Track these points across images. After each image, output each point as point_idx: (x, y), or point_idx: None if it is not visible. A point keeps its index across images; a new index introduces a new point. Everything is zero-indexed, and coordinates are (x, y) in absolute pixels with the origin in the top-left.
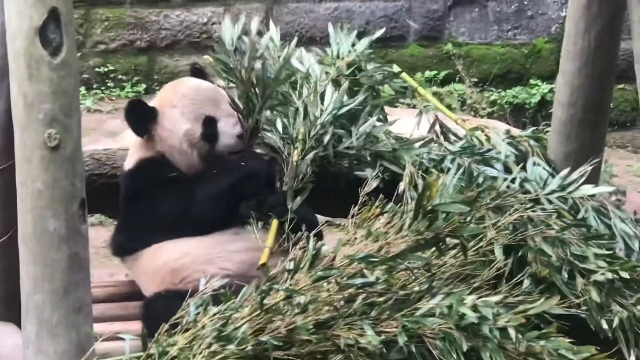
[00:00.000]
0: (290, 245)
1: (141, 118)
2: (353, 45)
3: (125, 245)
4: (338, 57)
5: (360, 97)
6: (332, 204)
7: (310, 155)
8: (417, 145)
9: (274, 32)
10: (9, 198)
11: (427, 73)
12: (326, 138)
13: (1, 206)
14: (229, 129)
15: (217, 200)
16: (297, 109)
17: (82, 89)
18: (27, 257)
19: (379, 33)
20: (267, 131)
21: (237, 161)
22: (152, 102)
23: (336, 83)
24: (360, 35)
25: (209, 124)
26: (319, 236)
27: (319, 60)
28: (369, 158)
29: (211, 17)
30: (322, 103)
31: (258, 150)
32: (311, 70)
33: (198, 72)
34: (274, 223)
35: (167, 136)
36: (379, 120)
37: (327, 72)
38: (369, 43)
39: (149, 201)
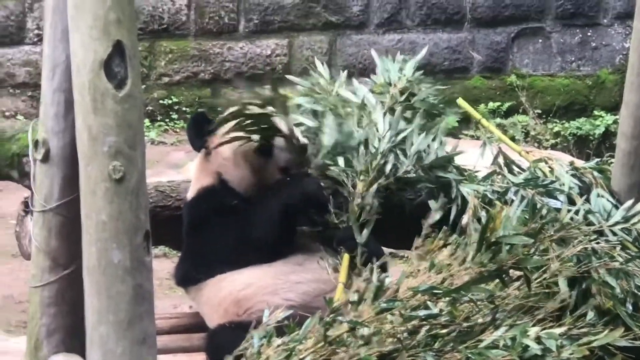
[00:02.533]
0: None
1: (201, 131)
2: (401, 70)
3: (189, 275)
4: (389, 84)
5: (416, 122)
6: (396, 235)
7: (375, 186)
8: (480, 177)
9: (321, 67)
10: (73, 230)
11: (491, 104)
12: (388, 167)
13: (66, 238)
14: (284, 145)
15: (270, 222)
16: (358, 142)
17: (146, 121)
18: (91, 289)
19: (421, 54)
20: (329, 165)
21: (288, 182)
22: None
23: (392, 111)
24: (421, 67)
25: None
26: (384, 268)
27: (371, 89)
28: (431, 185)
29: (275, 49)
30: (379, 132)
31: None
32: (366, 100)
33: None
34: (345, 258)
35: (222, 149)
36: (437, 142)
37: (381, 101)
38: (415, 66)
39: (209, 231)
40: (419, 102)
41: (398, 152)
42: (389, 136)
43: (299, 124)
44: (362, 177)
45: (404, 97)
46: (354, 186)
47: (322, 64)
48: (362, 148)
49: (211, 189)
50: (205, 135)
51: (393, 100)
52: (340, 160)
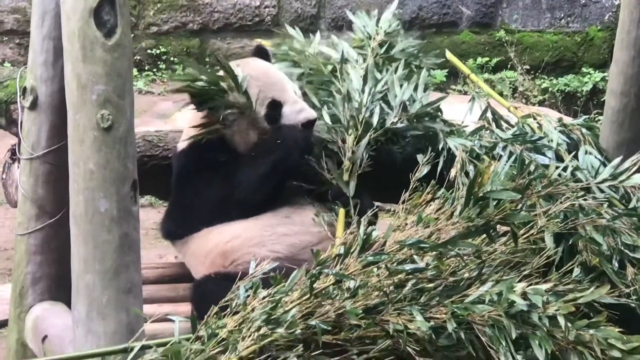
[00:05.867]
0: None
1: None
2: (378, 24)
3: (175, 230)
4: (369, 38)
5: (399, 73)
6: (384, 189)
7: (365, 139)
8: (468, 131)
9: (293, 31)
10: (61, 178)
11: (479, 60)
12: (374, 119)
13: (53, 186)
14: (293, 116)
15: (259, 180)
16: (342, 96)
17: (134, 71)
18: (78, 238)
19: (393, 6)
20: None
21: (274, 138)
22: None
23: (375, 64)
24: (410, 21)
25: (274, 107)
26: (372, 221)
27: (352, 46)
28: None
29: (263, 0)
30: (355, 84)
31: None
32: (346, 54)
33: (262, 53)
34: (341, 213)
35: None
36: (421, 92)
37: (361, 54)
38: (391, 18)
39: (197, 185)
40: (399, 52)
41: (383, 104)
42: (368, 88)
43: None
44: (350, 132)
45: (383, 49)
46: (344, 141)
47: (294, 27)
48: (345, 103)
49: (206, 141)
50: None
51: (374, 54)
52: (326, 117)
